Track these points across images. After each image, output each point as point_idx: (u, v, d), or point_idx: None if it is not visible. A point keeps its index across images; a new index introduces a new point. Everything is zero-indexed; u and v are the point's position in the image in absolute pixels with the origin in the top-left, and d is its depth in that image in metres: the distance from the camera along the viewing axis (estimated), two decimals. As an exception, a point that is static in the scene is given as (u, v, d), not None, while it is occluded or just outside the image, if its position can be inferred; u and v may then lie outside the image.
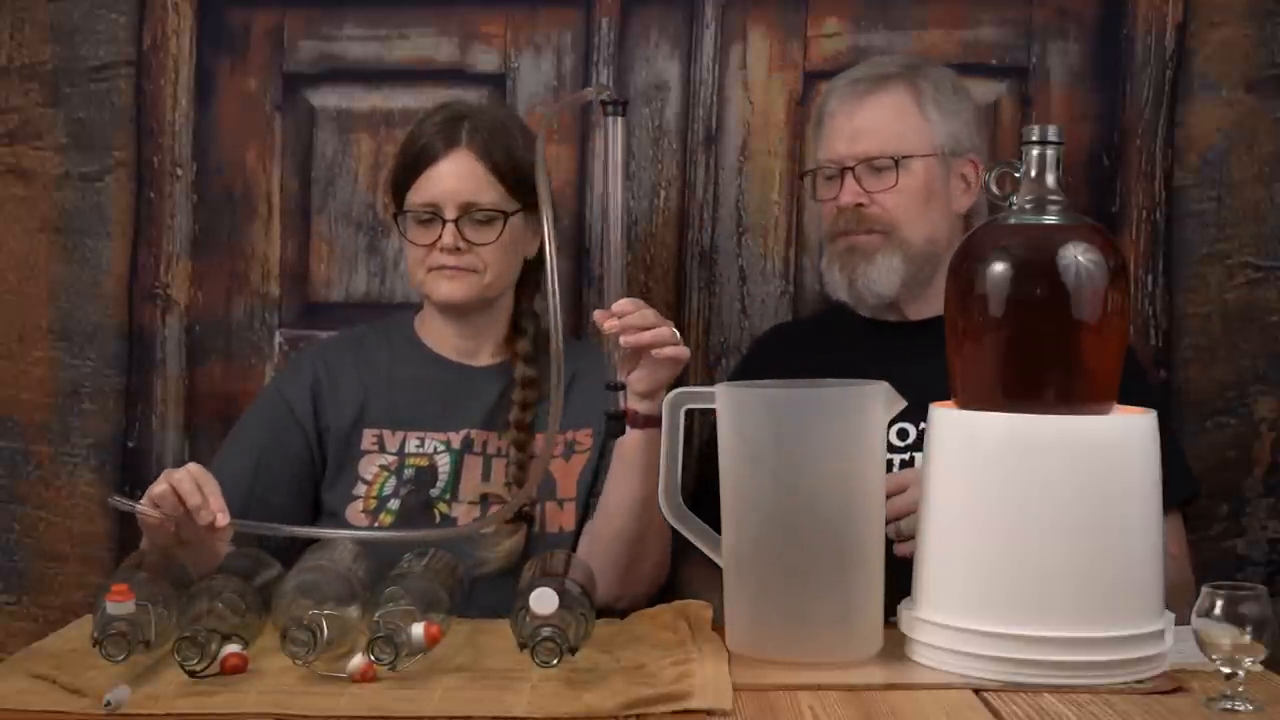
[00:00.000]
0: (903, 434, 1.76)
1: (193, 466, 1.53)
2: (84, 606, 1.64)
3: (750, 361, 1.99)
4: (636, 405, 1.61)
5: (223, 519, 1.49)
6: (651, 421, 1.60)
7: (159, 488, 1.50)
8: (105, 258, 2.13)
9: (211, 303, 2.13)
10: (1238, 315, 2.07)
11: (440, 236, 1.73)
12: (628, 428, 1.60)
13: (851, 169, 1.80)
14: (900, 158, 1.79)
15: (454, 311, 1.80)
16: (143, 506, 1.51)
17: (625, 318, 1.56)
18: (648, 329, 1.57)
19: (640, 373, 1.59)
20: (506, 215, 1.75)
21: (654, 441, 1.57)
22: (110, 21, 2.11)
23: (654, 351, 1.57)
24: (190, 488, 1.49)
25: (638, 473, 1.64)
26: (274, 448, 1.79)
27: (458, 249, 1.73)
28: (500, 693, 1.27)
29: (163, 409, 2.13)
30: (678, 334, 1.59)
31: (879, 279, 1.80)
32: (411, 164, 1.76)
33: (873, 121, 1.81)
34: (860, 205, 1.80)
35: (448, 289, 1.76)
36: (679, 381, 2.04)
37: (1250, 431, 2.07)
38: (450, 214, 1.73)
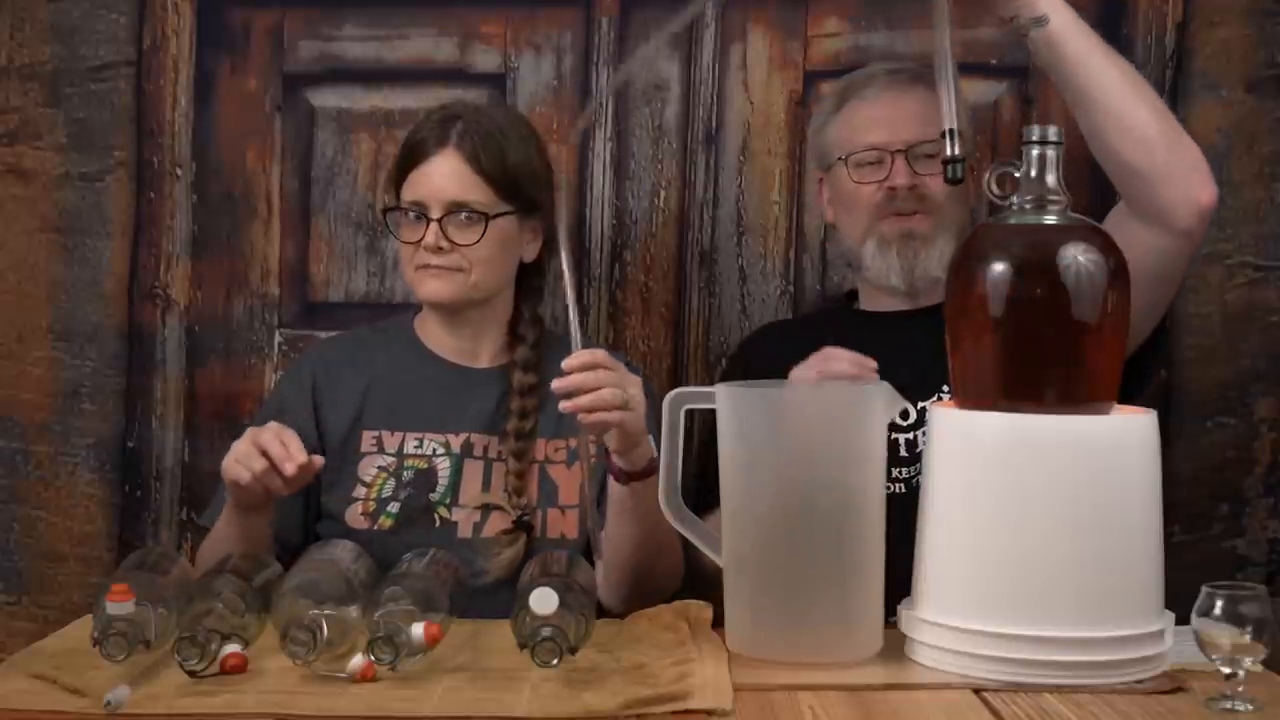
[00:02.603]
0: (904, 413, 1.77)
1: (274, 424, 1.58)
2: (84, 606, 1.64)
3: (740, 360, 1.99)
4: (616, 461, 1.61)
5: (302, 457, 1.54)
6: (633, 476, 1.60)
7: (244, 446, 1.56)
8: (105, 258, 2.13)
9: (211, 303, 2.13)
10: (1238, 315, 2.07)
11: (424, 234, 1.74)
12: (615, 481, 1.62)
13: (903, 152, 1.82)
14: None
15: (443, 311, 1.80)
16: (231, 466, 1.57)
17: (577, 382, 1.53)
18: (592, 392, 1.53)
19: (610, 436, 1.58)
20: (489, 217, 1.75)
21: (642, 491, 1.59)
22: (110, 21, 2.11)
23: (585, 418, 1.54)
24: (270, 437, 1.55)
25: (637, 519, 1.63)
26: None
27: (440, 248, 1.73)
28: (500, 693, 1.27)
29: (163, 409, 2.13)
30: (624, 394, 1.54)
31: (935, 264, 1.82)
32: (404, 161, 1.77)
33: (920, 109, 1.83)
34: (914, 186, 1.82)
35: (432, 287, 1.76)
36: (677, 382, 2.07)
37: (1250, 431, 2.07)
38: (435, 213, 1.73)
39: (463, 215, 1.74)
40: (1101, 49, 1.58)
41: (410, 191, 1.76)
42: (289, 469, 1.53)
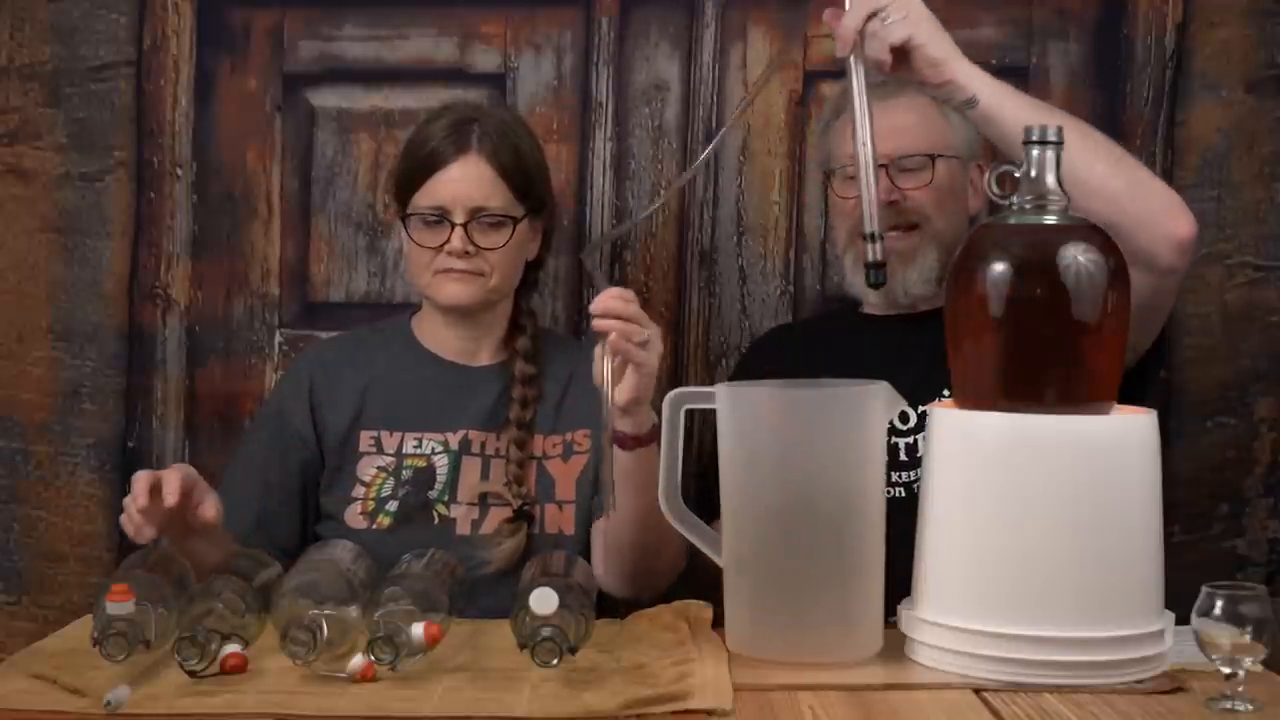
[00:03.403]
0: (904, 417, 1.77)
1: (149, 473, 1.50)
2: (84, 606, 1.64)
3: (748, 363, 1.99)
4: (620, 425, 1.59)
5: (172, 500, 1.48)
6: (638, 441, 1.59)
7: (128, 498, 1.50)
8: (105, 258, 2.13)
9: (211, 303, 2.13)
10: (1238, 315, 2.07)
11: (449, 239, 1.73)
12: (621, 449, 1.59)
13: (885, 166, 1.78)
14: (935, 155, 1.81)
15: (458, 314, 1.80)
16: (123, 521, 1.51)
17: (608, 307, 1.53)
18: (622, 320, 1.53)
19: (623, 383, 1.56)
20: (515, 220, 1.76)
21: (645, 459, 1.57)
22: (110, 21, 2.11)
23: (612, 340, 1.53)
24: (137, 487, 1.48)
25: (638, 490, 1.59)
26: (278, 464, 1.79)
27: (466, 253, 1.73)
28: (500, 693, 1.27)
29: (163, 409, 2.13)
30: (646, 333, 1.54)
31: (916, 281, 1.82)
32: (419, 167, 1.75)
33: (904, 120, 1.81)
34: (894, 201, 1.79)
35: (454, 292, 1.75)
36: (676, 382, 2.07)
37: (1250, 431, 2.07)
38: (459, 218, 1.73)
39: (486, 219, 1.74)
40: (1043, 114, 1.54)
41: (428, 196, 1.74)
42: (130, 514, 1.48)
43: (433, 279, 1.76)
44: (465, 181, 1.73)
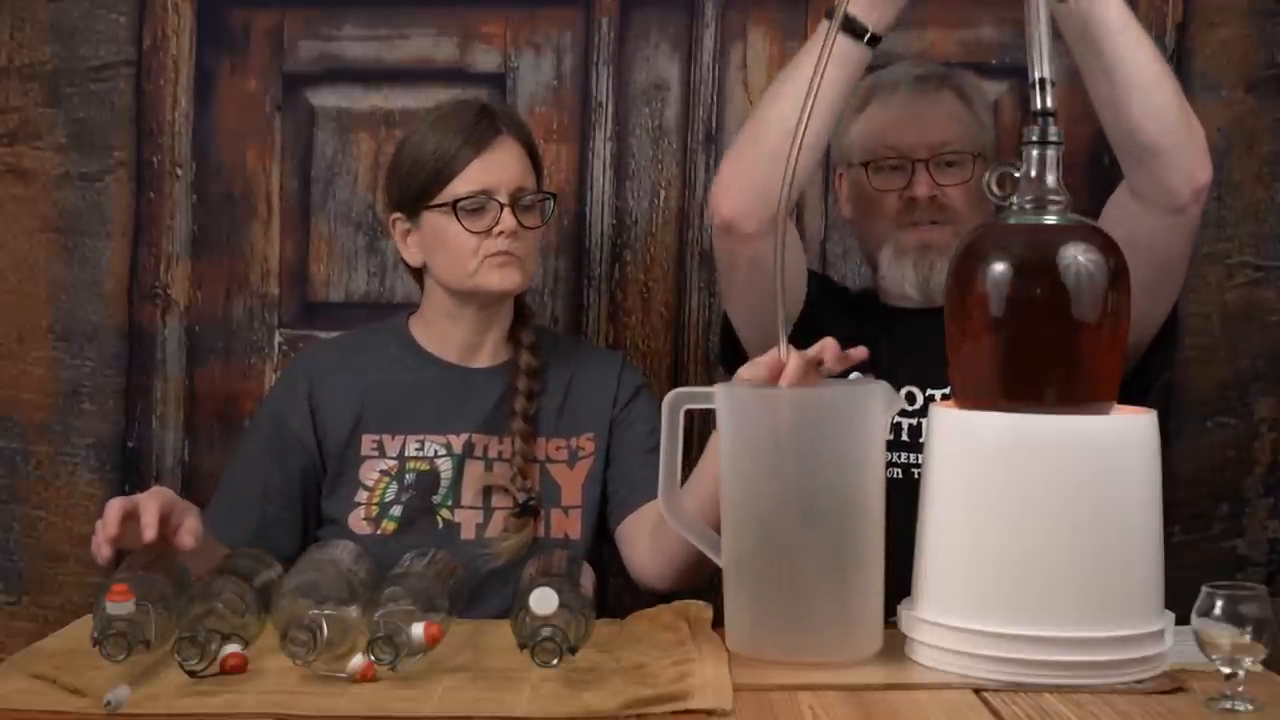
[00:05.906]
0: (910, 398, 1.78)
1: (121, 501, 1.48)
2: (84, 606, 1.64)
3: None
4: None
5: (151, 534, 1.44)
6: None
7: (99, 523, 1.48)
8: (105, 258, 2.13)
9: (211, 303, 2.13)
10: (1238, 315, 2.07)
11: (498, 222, 1.71)
12: None
13: (925, 161, 1.80)
14: (976, 154, 1.81)
15: (483, 302, 1.77)
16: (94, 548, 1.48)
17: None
18: None
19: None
20: (555, 198, 1.78)
21: None
22: (110, 21, 2.11)
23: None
24: (108, 515, 1.46)
25: None
26: (278, 470, 1.77)
27: (515, 234, 1.72)
28: (500, 693, 1.27)
29: (163, 409, 2.13)
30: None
31: None
32: (455, 155, 1.72)
33: (944, 116, 1.82)
34: (933, 196, 1.80)
35: (504, 277, 1.73)
36: (676, 382, 2.07)
37: (1250, 431, 2.07)
38: (504, 199, 1.72)
39: (525, 200, 1.74)
40: (1136, 23, 1.58)
41: (469, 182, 1.71)
42: (98, 543, 1.45)
43: (480, 266, 1.72)
44: (505, 164, 1.73)
